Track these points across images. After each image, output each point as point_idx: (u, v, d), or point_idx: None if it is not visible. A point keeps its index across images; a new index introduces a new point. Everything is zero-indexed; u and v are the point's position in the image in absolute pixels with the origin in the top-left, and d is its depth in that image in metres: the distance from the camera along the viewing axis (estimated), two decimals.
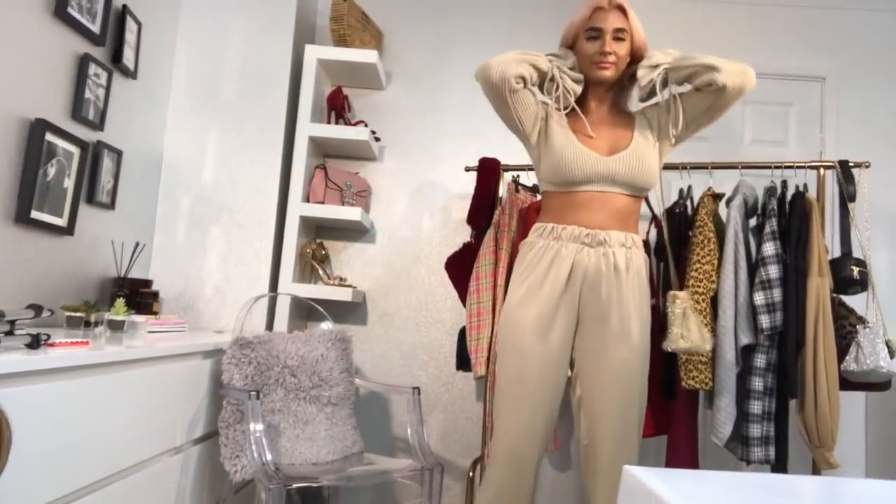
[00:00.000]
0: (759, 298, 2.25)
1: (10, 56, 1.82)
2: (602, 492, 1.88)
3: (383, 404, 2.91)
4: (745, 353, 2.27)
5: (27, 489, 1.29)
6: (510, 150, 2.67)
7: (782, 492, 0.88)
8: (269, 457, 1.93)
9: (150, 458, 1.78)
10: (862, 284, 2.30)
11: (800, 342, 2.23)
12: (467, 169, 2.74)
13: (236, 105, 2.73)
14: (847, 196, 2.39)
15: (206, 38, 2.75)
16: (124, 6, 2.32)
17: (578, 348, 1.95)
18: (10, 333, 1.40)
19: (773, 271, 2.26)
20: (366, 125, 2.88)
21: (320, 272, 2.84)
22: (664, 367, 2.44)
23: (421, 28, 3.08)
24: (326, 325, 2.59)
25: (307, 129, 2.75)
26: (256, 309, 2.56)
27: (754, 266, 2.31)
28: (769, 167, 2.48)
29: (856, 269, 2.31)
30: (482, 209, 2.63)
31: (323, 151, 2.99)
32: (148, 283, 2.46)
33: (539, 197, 2.54)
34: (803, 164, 2.46)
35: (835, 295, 2.30)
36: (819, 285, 2.24)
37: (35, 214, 1.92)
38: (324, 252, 2.89)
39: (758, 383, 2.24)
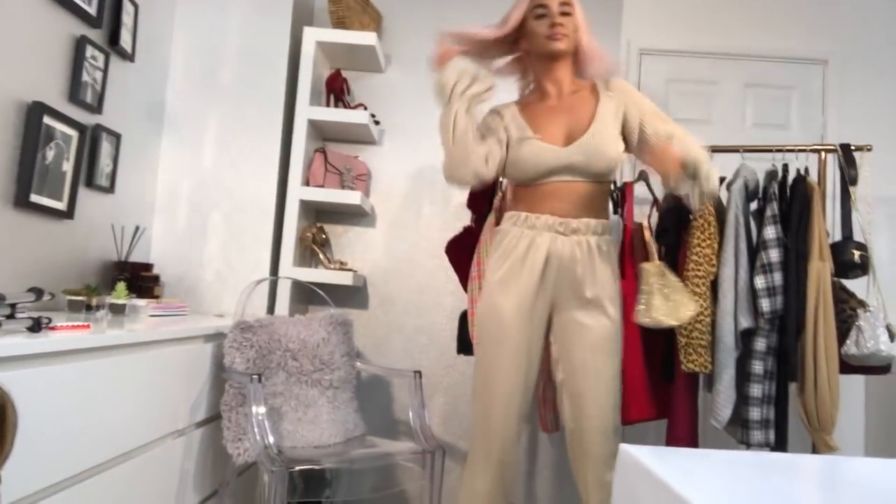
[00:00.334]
0: (759, 282, 2.25)
1: (6, 38, 1.80)
2: (593, 472, 1.91)
3: (385, 388, 2.91)
4: (745, 337, 2.28)
5: (30, 472, 1.30)
6: None
7: (780, 470, 0.89)
8: (271, 440, 1.94)
9: (153, 441, 1.78)
10: (863, 268, 2.31)
11: (800, 326, 2.23)
12: None
13: (235, 88, 2.71)
14: (848, 179, 2.39)
15: (204, 21, 2.73)
16: None
17: (556, 331, 1.98)
18: (11, 317, 1.39)
19: (774, 255, 2.26)
20: (365, 108, 2.86)
21: (321, 256, 2.84)
22: (664, 349, 2.45)
23: (420, 10, 3.06)
24: (327, 309, 2.60)
25: (306, 112, 2.73)
26: (257, 293, 2.55)
27: (755, 250, 2.31)
28: (770, 150, 2.47)
29: (857, 253, 2.31)
30: (483, 193, 2.62)
31: (322, 135, 2.98)
32: (149, 266, 2.46)
33: None
34: (805, 148, 2.46)
35: (835, 279, 2.31)
36: (820, 269, 2.24)
37: (34, 198, 1.91)
38: (324, 236, 2.88)
39: (758, 367, 2.25)
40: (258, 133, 2.70)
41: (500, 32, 1.99)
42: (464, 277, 2.56)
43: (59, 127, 2.01)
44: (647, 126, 1.99)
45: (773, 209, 2.30)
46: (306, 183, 2.77)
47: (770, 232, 2.28)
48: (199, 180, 2.68)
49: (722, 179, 2.45)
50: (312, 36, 2.77)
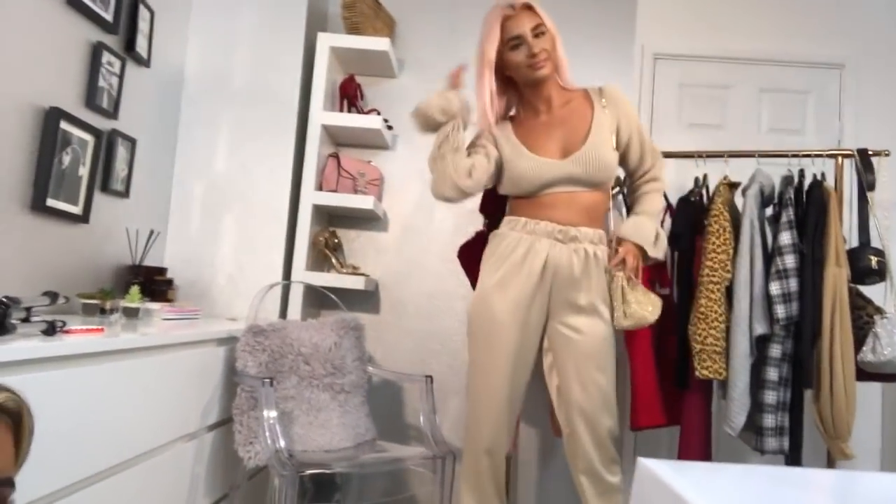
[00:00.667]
0: (774, 288, 2.23)
1: (23, 44, 1.83)
2: (586, 477, 1.93)
3: (396, 392, 2.91)
4: (760, 343, 2.26)
5: (42, 475, 1.31)
6: None
7: (796, 485, 0.88)
8: (282, 443, 1.94)
9: (165, 444, 1.79)
10: (880, 274, 2.28)
11: (816, 332, 2.21)
12: None
13: (249, 93, 2.73)
14: (866, 185, 2.36)
15: (219, 26, 2.75)
16: None
17: (550, 338, 2.00)
18: (26, 320, 1.41)
19: (790, 261, 2.24)
20: (378, 113, 2.87)
21: (333, 260, 2.85)
22: (677, 356, 2.43)
23: (433, 15, 3.06)
24: (340, 314, 2.60)
25: (320, 117, 2.74)
26: (270, 297, 2.56)
27: (770, 255, 2.29)
28: (786, 156, 2.45)
29: (874, 259, 2.28)
30: (495, 198, 2.61)
31: (335, 140, 2.99)
32: (162, 270, 2.48)
33: None
34: (821, 153, 2.43)
35: (852, 285, 2.28)
36: (836, 275, 2.22)
37: (50, 202, 1.93)
38: (336, 240, 2.89)
39: (773, 373, 2.22)
40: (272, 138, 2.72)
41: (484, 80, 2.01)
42: (475, 282, 2.56)
43: (76, 132, 2.03)
44: (631, 153, 2.06)
45: (788, 215, 2.28)
46: (319, 188, 2.78)
47: (786, 237, 2.25)
48: (213, 185, 2.70)
49: (737, 185, 2.44)
50: (326, 42, 2.78)
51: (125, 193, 2.35)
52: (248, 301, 2.50)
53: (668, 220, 2.63)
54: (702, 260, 2.34)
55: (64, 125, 1.96)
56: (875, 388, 2.80)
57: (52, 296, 1.55)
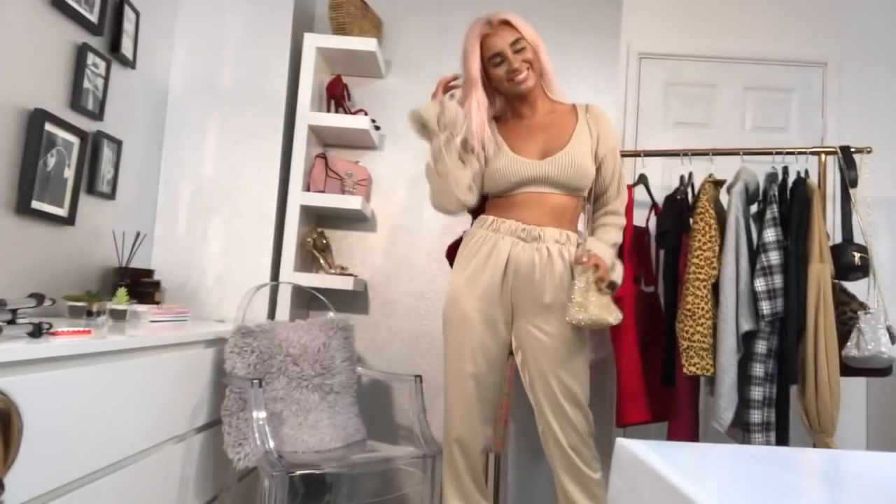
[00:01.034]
0: (759, 285, 2.25)
1: (7, 46, 1.81)
2: (561, 472, 1.95)
3: (386, 392, 2.91)
4: (747, 340, 2.28)
5: (30, 477, 1.30)
6: None
7: (781, 463, 0.88)
8: (272, 444, 1.94)
9: (153, 446, 1.79)
10: (863, 270, 2.30)
11: (801, 328, 2.23)
12: None
13: (235, 94, 2.72)
14: (848, 182, 2.39)
15: (205, 27, 2.74)
16: None
17: (519, 336, 2.03)
18: (12, 322, 1.40)
19: (774, 257, 2.26)
20: (366, 114, 2.87)
21: (321, 261, 2.84)
22: (665, 353, 2.45)
23: (421, 16, 3.07)
24: (328, 314, 2.60)
25: (307, 117, 2.74)
26: (258, 298, 2.56)
27: (755, 252, 2.31)
28: (770, 153, 2.47)
29: (857, 255, 2.31)
30: (483, 198, 2.62)
31: (323, 140, 2.98)
32: (150, 272, 2.46)
33: None
34: (804, 150, 2.46)
35: (836, 281, 2.30)
36: (820, 271, 2.24)
37: (35, 205, 1.92)
38: (325, 241, 2.89)
39: (759, 369, 2.24)
40: (259, 139, 2.71)
41: (472, 99, 2.03)
42: None
43: (61, 134, 2.02)
44: (603, 172, 2.09)
45: (773, 212, 2.30)
46: (307, 188, 2.78)
47: (770, 234, 2.28)
48: (200, 186, 2.69)
49: (722, 182, 2.46)
50: (313, 42, 2.78)
51: (111, 195, 2.33)
52: (237, 302, 2.49)
53: (654, 219, 2.65)
54: (688, 257, 2.36)
55: (49, 127, 1.95)
56: (859, 383, 2.83)
57: (39, 298, 1.54)
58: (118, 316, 2.00)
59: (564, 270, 1.98)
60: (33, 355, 1.29)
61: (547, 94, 2.09)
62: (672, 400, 2.47)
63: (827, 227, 2.35)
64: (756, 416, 2.22)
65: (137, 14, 2.42)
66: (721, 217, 2.39)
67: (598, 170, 2.07)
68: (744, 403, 2.25)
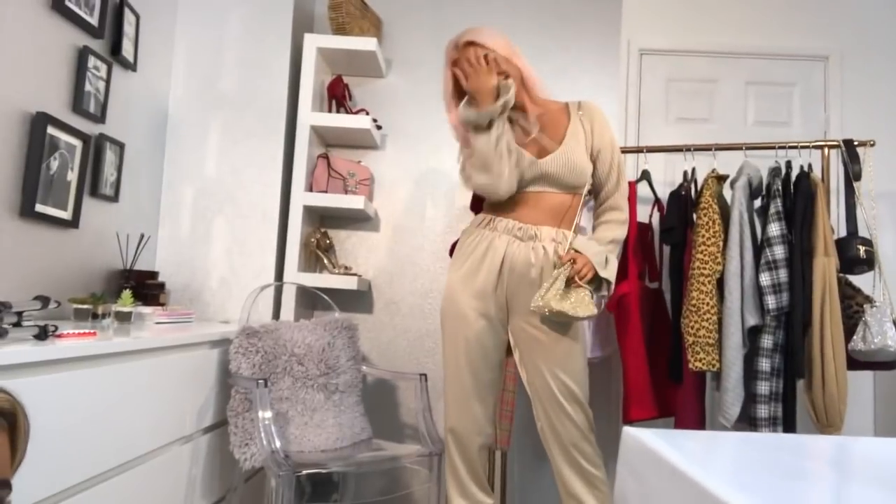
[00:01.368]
0: (764, 279, 2.24)
1: (9, 50, 1.82)
2: (568, 467, 1.94)
3: (391, 391, 2.91)
4: (752, 334, 2.27)
5: (37, 479, 1.30)
6: None
7: (788, 449, 0.88)
8: (278, 444, 1.94)
9: (160, 447, 1.79)
10: (868, 263, 2.30)
11: (806, 322, 2.23)
12: None
13: (237, 95, 2.73)
14: (852, 175, 2.38)
15: (205, 29, 2.74)
16: None
17: (516, 333, 2.03)
18: (17, 325, 1.40)
19: (779, 252, 2.25)
20: (367, 113, 2.87)
21: (325, 261, 2.85)
22: (671, 349, 2.44)
23: (420, 14, 3.07)
24: (333, 314, 2.60)
25: (308, 118, 2.74)
26: (262, 299, 2.56)
27: (760, 247, 2.31)
28: (773, 148, 2.47)
29: (862, 249, 2.30)
30: (480, 198, 2.62)
31: (325, 141, 2.98)
32: (154, 274, 2.47)
33: None
34: (807, 144, 2.45)
35: (841, 274, 2.30)
36: (825, 265, 2.23)
37: (39, 208, 1.92)
38: (328, 241, 2.89)
39: (765, 364, 2.24)
40: (261, 140, 2.71)
41: (450, 111, 2.06)
42: None
43: (63, 137, 2.02)
44: (600, 164, 2.07)
45: (777, 206, 2.30)
46: (310, 189, 2.78)
47: (774, 229, 2.27)
48: (203, 187, 2.69)
49: (725, 177, 2.46)
50: (313, 42, 2.78)
51: (114, 198, 2.34)
52: (241, 303, 2.50)
53: (657, 215, 2.65)
54: (692, 253, 2.36)
55: (51, 130, 1.95)
56: (867, 376, 2.82)
57: (44, 300, 1.54)
58: (123, 318, 2.00)
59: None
60: (39, 357, 1.29)
61: (533, 97, 2.07)
62: (678, 396, 2.46)
63: (831, 220, 2.34)
64: (763, 410, 2.22)
65: (137, 17, 2.42)
66: (725, 212, 2.38)
67: (597, 161, 2.06)
68: (750, 398, 2.25)
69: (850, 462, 0.91)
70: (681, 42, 3.12)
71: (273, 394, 2.14)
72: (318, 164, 2.82)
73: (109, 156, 2.28)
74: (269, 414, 1.97)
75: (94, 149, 2.20)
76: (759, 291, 2.26)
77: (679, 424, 2.45)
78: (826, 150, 2.46)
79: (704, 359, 2.27)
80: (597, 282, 1.98)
